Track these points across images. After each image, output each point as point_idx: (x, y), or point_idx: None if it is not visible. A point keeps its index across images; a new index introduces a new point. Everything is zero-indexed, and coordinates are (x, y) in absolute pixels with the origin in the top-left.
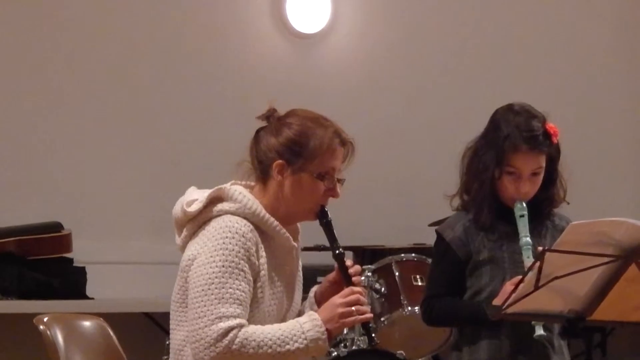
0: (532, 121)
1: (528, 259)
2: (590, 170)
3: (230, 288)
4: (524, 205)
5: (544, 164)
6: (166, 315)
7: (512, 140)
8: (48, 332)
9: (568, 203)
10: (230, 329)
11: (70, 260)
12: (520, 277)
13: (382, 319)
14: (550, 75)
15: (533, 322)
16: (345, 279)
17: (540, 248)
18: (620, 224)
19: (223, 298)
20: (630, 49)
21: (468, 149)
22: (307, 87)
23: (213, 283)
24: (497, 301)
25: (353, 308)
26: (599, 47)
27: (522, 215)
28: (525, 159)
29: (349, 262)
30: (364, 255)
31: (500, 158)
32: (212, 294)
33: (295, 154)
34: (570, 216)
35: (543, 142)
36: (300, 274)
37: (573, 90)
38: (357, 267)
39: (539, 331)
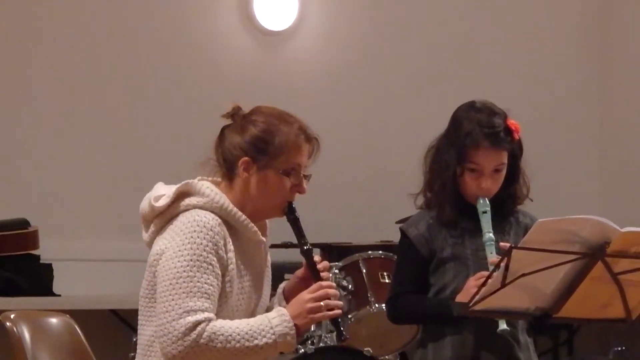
0: (493, 118)
1: (491, 255)
2: (553, 167)
3: (199, 282)
4: (487, 201)
5: (505, 161)
6: (133, 312)
7: (473, 137)
8: (14, 329)
9: (531, 200)
10: (198, 323)
11: (37, 257)
12: (484, 273)
13: (349, 316)
14: (513, 73)
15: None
16: (314, 275)
17: (502, 244)
18: (587, 221)
19: (191, 292)
20: (593, 45)
21: (430, 147)
22: (274, 84)
23: (181, 277)
24: (460, 298)
25: (322, 303)
26: (561, 44)
27: (484, 212)
28: (486, 156)
29: (317, 258)
30: (331, 252)
31: (462, 155)
32: (180, 288)
33: (261, 151)
34: (534, 213)
35: (504, 139)
36: (269, 270)
37: (535, 86)
38: (326, 263)
39: (502, 326)
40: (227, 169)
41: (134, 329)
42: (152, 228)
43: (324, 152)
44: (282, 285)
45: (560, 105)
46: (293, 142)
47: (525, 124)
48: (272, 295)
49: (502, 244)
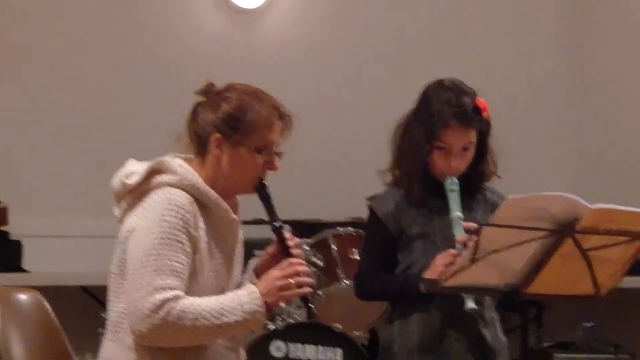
0: (462, 97)
1: (459, 233)
2: (522, 144)
3: (168, 260)
4: (455, 180)
5: (474, 139)
6: (103, 289)
7: (442, 116)
8: None
9: (499, 177)
10: (167, 300)
11: (6, 234)
12: (451, 251)
13: (319, 292)
14: (485, 50)
15: (464, 295)
16: (284, 252)
17: (466, 224)
18: (556, 198)
19: (161, 270)
20: (571, 23)
21: (399, 125)
22: (246, 62)
23: (151, 255)
24: (428, 274)
25: (292, 281)
26: (539, 21)
27: (452, 190)
28: (455, 135)
29: (287, 235)
30: (302, 229)
31: (431, 134)
32: (149, 266)
33: (233, 128)
34: (502, 190)
35: (473, 118)
36: (241, 247)
37: (503, 64)
38: (296, 240)
39: (470, 304)
40: (199, 146)
41: (103, 306)
42: (123, 205)
43: (295, 129)
44: (252, 262)
45: (527, 82)
46: (265, 120)
47: (497, 102)
48: (243, 272)
49: (465, 224)
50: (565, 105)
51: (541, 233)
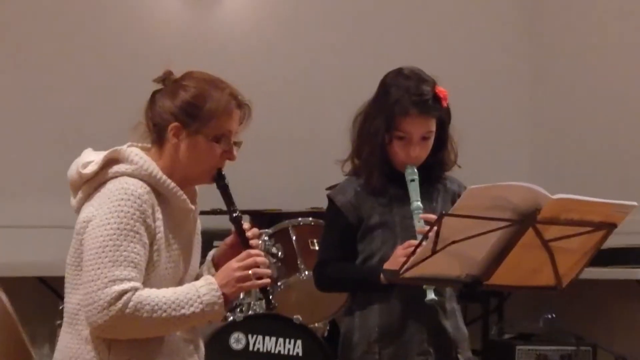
0: (421, 85)
1: (419, 223)
2: (482, 133)
3: (125, 251)
4: (415, 169)
5: (434, 128)
6: (61, 280)
7: (401, 105)
8: None
9: (459, 167)
10: (124, 292)
11: None
12: (412, 242)
13: (278, 283)
14: (444, 39)
15: (425, 287)
16: (243, 243)
17: (424, 215)
18: (518, 188)
19: (117, 261)
20: (526, 9)
21: (358, 114)
22: (204, 49)
23: (107, 246)
24: (388, 265)
25: (250, 272)
26: (487, 8)
27: (412, 180)
28: (415, 124)
29: (246, 225)
30: (261, 219)
31: (390, 123)
32: (106, 257)
33: (191, 116)
34: (462, 180)
35: (433, 107)
36: (199, 237)
37: (463, 52)
38: (255, 230)
39: (430, 295)
40: (157, 135)
41: (61, 297)
42: (80, 194)
43: (254, 118)
44: (211, 253)
45: (487, 70)
46: (224, 108)
47: (455, 90)
48: (202, 263)
49: (424, 215)
50: (521, 94)
51: (502, 223)
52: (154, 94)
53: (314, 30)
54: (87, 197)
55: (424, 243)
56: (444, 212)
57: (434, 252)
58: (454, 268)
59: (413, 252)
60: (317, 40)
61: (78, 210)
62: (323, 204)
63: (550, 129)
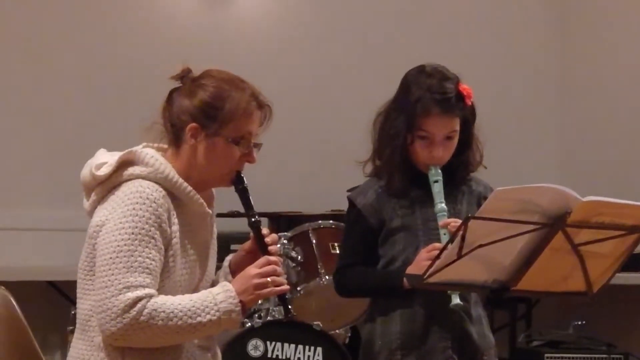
0: (444, 83)
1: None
2: (509, 133)
3: (140, 256)
4: (438, 170)
5: (457, 128)
6: (72, 284)
7: (423, 104)
8: None
9: (485, 167)
10: (139, 299)
11: None
12: (436, 244)
13: (298, 288)
14: (469, 34)
15: (449, 292)
16: (261, 248)
17: (444, 222)
18: (546, 190)
19: (132, 267)
20: (555, 4)
21: (379, 113)
22: (220, 48)
23: (122, 251)
24: (411, 270)
25: (269, 279)
26: (520, 7)
27: (436, 181)
28: (437, 123)
29: (265, 231)
30: (280, 222)
31: (412, 122)
32: (120, 262)
33: (210, 117)
34: (488, 181)
35: (456, 105)
36: (215, 242)
37: (488, 49)
38: (274, 236)
39: (455, 300)
40: (174, 135)
41: (73, 302)
42: (93, 197)
43: (274, 118)
44: (228, 259)
45: (514, 67)
46: (244, 109)
47: (481, 88)
48: (218, 268)
49: (447, 221)
50: (549, 92)
51: (531, 227)
52: (172, 92)
53: (335, 27)
54: (101, 199)
55: (449, 245)
56: (470, 215)
57: (459, 256)
58: (480, 273)
59: (437, 256)
60: (338, 37)
61: (91, 213)
62: (344, 206)
63: (579, 129)
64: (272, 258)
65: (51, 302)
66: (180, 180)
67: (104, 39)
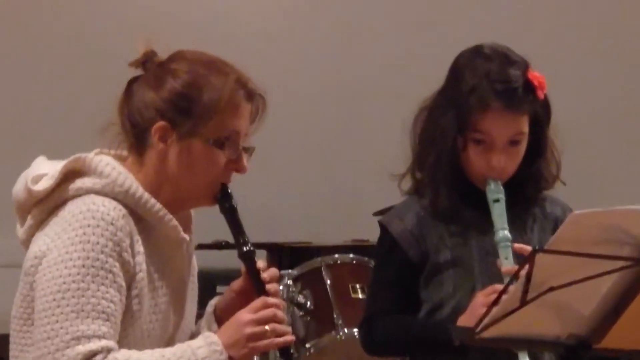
0: (508, 68)
1: (507, 261)
2: (595, 138)
3: (93, 296)
4: (500, 186)
5: (526, 129)
6: (4, 339)
7: (479, 95)
8: None
9: (564, 183)
10: (93, 354)
11: None
12: (497, 286)
13: (307, 345)
14: (537, 9)
15: (514, 350)
16: (257, 287)
17: (519, 246)
18: (638, 214)
19: (83, 310)
20: None
21: (422, 110)
22: (202, 21)
23: (69, 289)
24: (464, 320)
25: (266, 327)
26: None
27: (497, 200)
28: (498, 122)
29: (261, 264)
30: (283, 256)
31: (464, 120)
32: (67, 306)
33: (183, 112)
34: (567, 201)
35: (524, 98)
36: (195, 280)
37: (569, 27)
38: (273, 270)
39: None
40: (135, 138)
41: None
42: (29, 221)
43: (272, 115)
44: (212, 303)
45: (612, 55)
46: (228, 100)
47: (559, 78)
48: (200, 315)
49: (517, 245)
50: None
51: (619, 263)
52: (131, 82)
53: (359, 17)
54: (40, 223)
55: (510, 288)
56: (537, 246)
57: (524, 302)
58: (552, 325)
59: (495, 302)
60: (358, 21)
61: (27, 242)
62: (369, 234)
63: None
64: (271, 299)
65: None
66: (146, 195)
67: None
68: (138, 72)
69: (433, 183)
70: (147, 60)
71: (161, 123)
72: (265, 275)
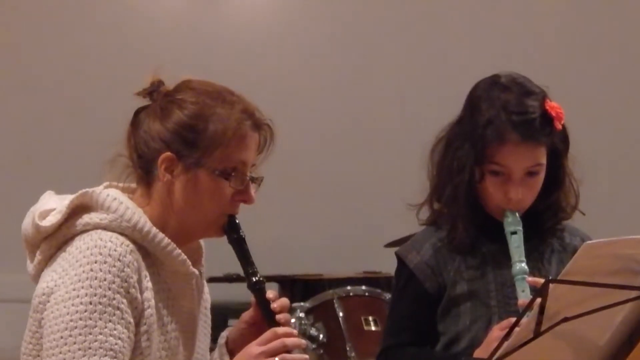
0: (525, 99)
1: (523, 294)
2: (614, 168)
3: (101, 334)
4: (517, 217)
5: (544, 160)
6: None
7: (496, 127)
8: None
9: (583, 214)
10: None
11: None
12: (513, 318)
13: None
14: (555, 38)
15: None
16: (267, 318)
17: (533, 280)
18: None
19: (90, 348)
20: None
21: (438, 141)
22: (210, 51)
23: (76, 327)
24: (480, 353)
25: (276, 359)
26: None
27: (514, 232)
28: (516, 154)
29: (271, 294)
30: (295, 288)
31: (481, 152)
32: (74, 343)
33: (189, 143)
34: (587, 231)
35: (541, 130)
36: (207, 313)
37: (589, 54)
38: (283, 300)
39: None
40: (143, 169)
41: None
42: (38, 256)
43: (281, 146)
44: (224, 335)
45: (633, 81)
46: (234, 131)
47: (569, 107)
48: (212, 349)
49: (531, 279)
50: None
51: (632, 293)
52: (137, 112)
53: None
54: (48, 259)
55: (524, 319)
56: (549, 277)
57: (537, 333)
58: (567, 356)
59: (508, 334)
60: (369, 40)
61: (37, 277)
62: (381, 266)
63: None
64: (281, 330)
65: None
66: (154, 229)
67: (58, 40)
68: (145, 102)
69: (450, 215)
70: (154, 90)
71: (167, 154)
72: (275, 305)
